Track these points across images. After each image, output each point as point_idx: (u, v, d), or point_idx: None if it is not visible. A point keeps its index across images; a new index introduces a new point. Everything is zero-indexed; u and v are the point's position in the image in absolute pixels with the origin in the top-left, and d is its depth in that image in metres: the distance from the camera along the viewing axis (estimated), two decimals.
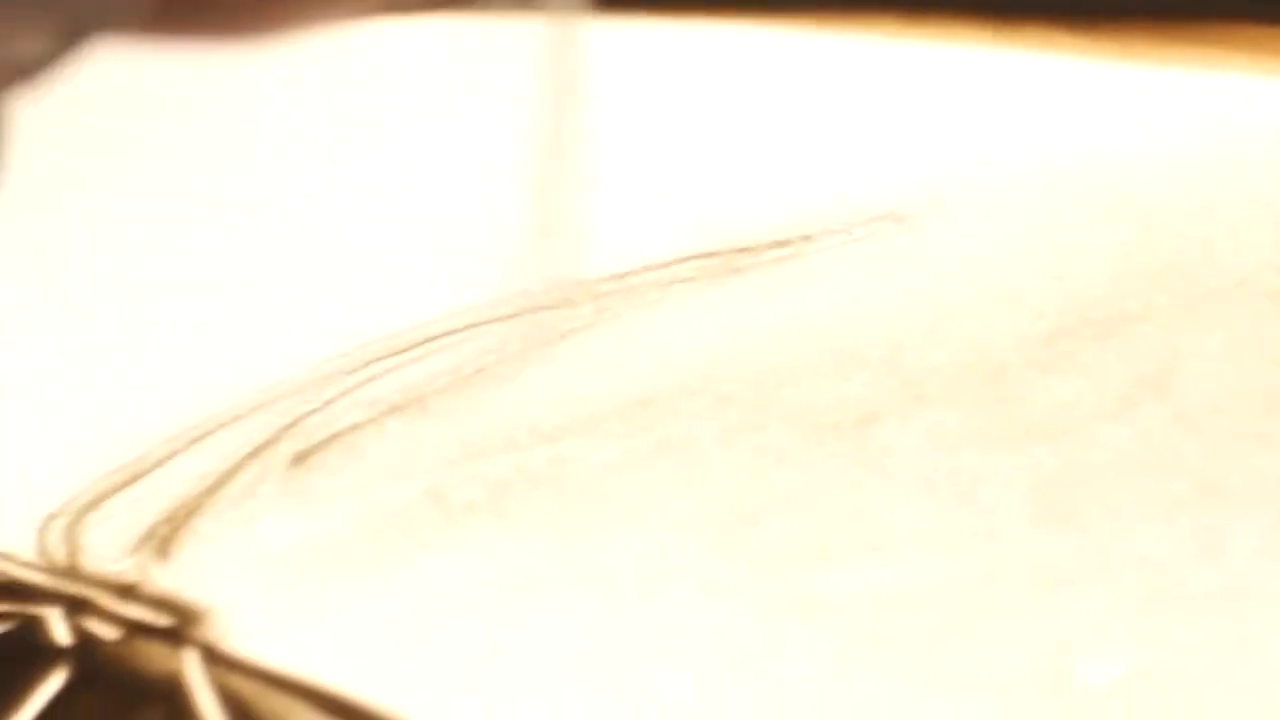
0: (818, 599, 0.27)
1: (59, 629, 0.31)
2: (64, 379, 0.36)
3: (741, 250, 0.37)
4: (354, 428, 0.33)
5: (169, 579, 0.32)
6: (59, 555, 0.32)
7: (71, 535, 0.32)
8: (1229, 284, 0.34)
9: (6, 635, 0.31)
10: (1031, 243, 0.36)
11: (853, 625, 0.27)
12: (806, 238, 0.37)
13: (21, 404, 0.36)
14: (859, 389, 0.32)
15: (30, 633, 0.31)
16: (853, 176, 0.40)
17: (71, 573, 0.32)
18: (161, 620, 0.31)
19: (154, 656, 0.30)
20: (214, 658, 0.30)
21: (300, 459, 0.33)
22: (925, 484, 0.29)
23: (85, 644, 0.31)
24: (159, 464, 0.33)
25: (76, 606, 0.32)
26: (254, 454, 0.33)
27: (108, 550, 0.32)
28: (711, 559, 0.29)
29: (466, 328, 0.35)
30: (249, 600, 0.31)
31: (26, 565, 0.33)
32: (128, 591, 0.32)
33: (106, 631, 0.31)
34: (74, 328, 0.38)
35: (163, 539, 0.32)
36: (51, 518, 0.33)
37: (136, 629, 0.31)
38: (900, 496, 0.29)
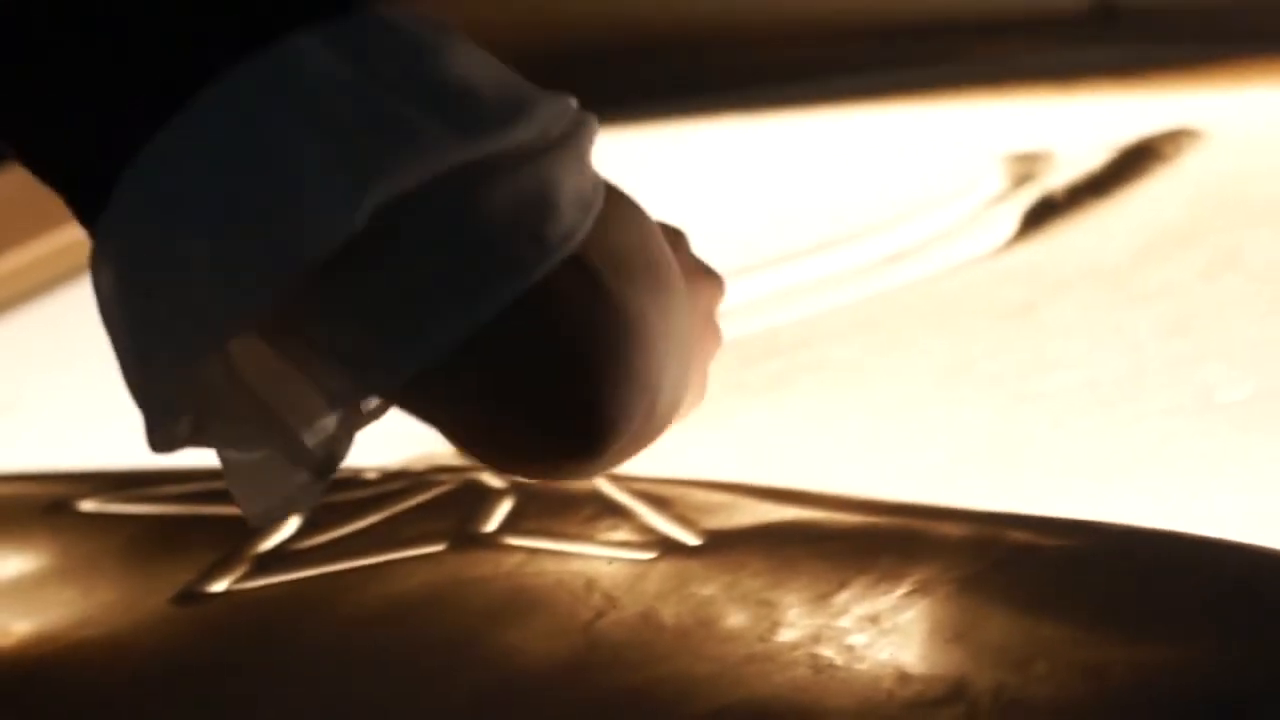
0: (1034, 394, 0.41)
1: (492, 480, 0.43)
2: None
3: None
4: None
5: None
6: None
7: None
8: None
9: (460, 487, 0.43)
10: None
11: (1068, 404, 0.41)
12: None
13: None
14: (1015, 292, 0.47)
15: (473, 483, 0.43)
16: None
17: None
18: None
19: (571, 484, 0.42)
20: (616, 478, 0.43)
21: None
22: (1085, 329, 0.44)
23: (517, 484, 0.43)
24: None
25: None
26: None
27: None
28: (942, 389, 0.43)
29: None
30: None
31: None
32: None
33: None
34: None
35: None
36: None
37: None
38: (1069, 336, 0.44)
